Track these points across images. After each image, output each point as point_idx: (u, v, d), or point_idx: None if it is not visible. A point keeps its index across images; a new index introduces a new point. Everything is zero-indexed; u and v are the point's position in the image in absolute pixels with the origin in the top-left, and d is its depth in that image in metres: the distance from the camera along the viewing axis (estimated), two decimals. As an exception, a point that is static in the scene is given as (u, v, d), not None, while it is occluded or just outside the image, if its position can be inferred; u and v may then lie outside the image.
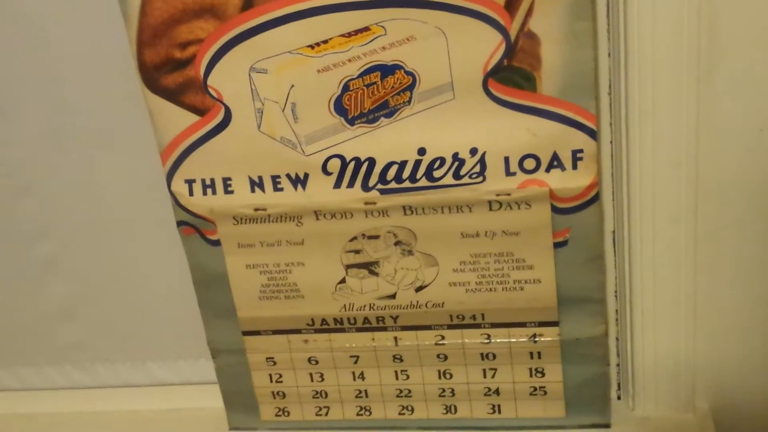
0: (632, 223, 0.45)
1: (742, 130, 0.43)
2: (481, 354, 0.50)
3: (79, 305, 0.57)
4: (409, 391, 0.52)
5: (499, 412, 0.51)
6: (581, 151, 0.43)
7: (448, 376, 0.51)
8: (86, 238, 0.54)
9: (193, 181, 0.47)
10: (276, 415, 0.54)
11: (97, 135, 0.50)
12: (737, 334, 0.48)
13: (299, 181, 0.46)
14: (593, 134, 0.43)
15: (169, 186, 0.47)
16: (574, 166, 0.43)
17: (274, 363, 0.52)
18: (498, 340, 0.49)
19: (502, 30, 0.41)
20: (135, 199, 0.52)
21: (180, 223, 0.49)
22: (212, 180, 0.47)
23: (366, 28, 0.42)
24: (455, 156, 0.44)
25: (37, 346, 0.59)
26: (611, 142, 0.44)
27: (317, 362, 0.52)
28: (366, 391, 0.52)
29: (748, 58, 0.41)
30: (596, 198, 0.44)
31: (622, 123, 0.43)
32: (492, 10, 0.40)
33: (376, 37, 0.42)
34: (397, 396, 0.52)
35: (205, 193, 0.47)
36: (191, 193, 0.47)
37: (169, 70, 0.44)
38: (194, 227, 0.49)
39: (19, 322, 0.58)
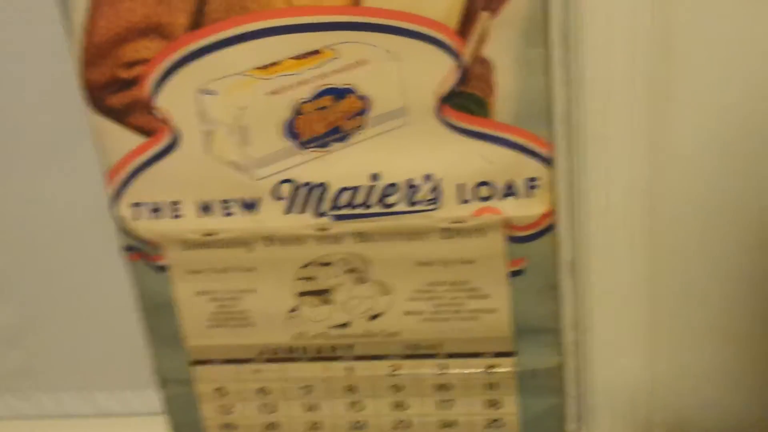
0: (588, 252, 0.44)
1: (698, 155, 0.43)
2: (437, 385, 0.48)
3: (22, 331, 0.55)
4: (364, 423, 0.50)
5: (455, 445, 0.50)
6: (536, 179, 0.42)
7: (403, 407, 0.49)
8: (29, 262, 0.52)
9: (140, 204, 0.46)
10: (227, 448, 0.52)
11: (40, 155, 0.49)
12: (695, 361, 0.48)
13: (250, 206, 0.45)
14: (548, 162, 0.42)
15: (112, 210, 0.46)
16: (529, 194, 0.43)
17: (224, 394, 0.50)
18: (454, 371, 0.48)
19: (455, 55, 0.40)
20: (80, 222, 0.50)
21: (126, 249, 0.47)
22: (160, 204, 0.45)
23: (317, 51, 0.41)
24: (409, 182, 0.43)
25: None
26: (566, 170, 0.44)
27: (269, 393, 0.50)
28: (319, 423, 0.51)
29: (704, 82, 0.41)
30: (552, 227, 0.43)
31: (576, 151, 0.42)
32: (444, 34, 0.40)
33: (329, 60, 0.41)
34: (352, 428, 0.51)
35: (152, 218, 0.46)
36: (138, 217, 0.46)
37: (114, 90, 0.43)
38: (140, 252, 0.47)
39: (-46, 350, 0.56)
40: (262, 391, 0.50)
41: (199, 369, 0.50)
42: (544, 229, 0.43)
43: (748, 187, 0.43)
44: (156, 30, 0.41)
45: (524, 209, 0.43)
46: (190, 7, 0.40)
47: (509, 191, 0.43)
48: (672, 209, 0.43)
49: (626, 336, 0.46)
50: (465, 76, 0.40)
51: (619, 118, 0.41)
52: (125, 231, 0.46)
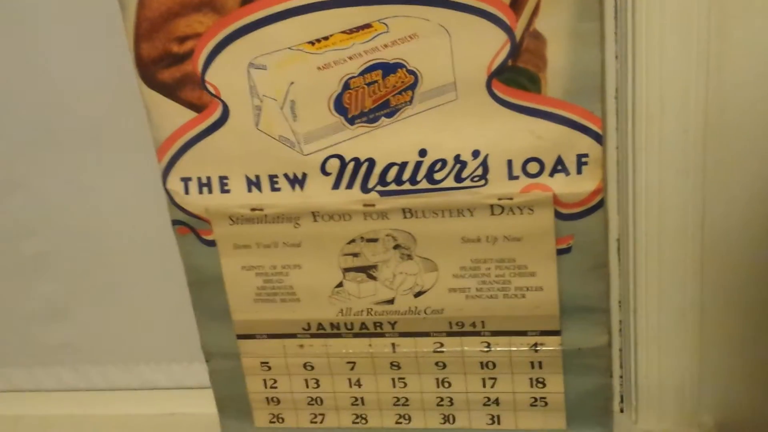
0: (638, 231, 0.44)
1: (752, 134, 0.42)
2: (481, 363, 0.48)
3: (70, 305, 0.56)
4: (407, 400, 0.50)
5: (499, 423, 0.50)
6: (586, 155, 0.42)
7: (446, 384, 0.49)
8: (77, 236, 0.53)
9: (189, 179, 0.46)
10: (270, 422, 0.53)
11: (91, 130, 0.49)
12: (744, 347, 0.47)
13: (297, 181, 0.45)
14: (599, 138, 0.41)
15: (164, 184, 0.46)
16: (579, 171, 0.42)
17: (269, 368, 0.51)
18: (498, 349, 0.48)
19: (507, 29, 0.40)
20: (129, 196, 0.51)
21: (175, 222, 0.48)
22: (208, 178, 0.46)
23: (368, 25, 0.41)
24: (457, 158, 0.43)
25: (26, 347, 0.58)
26: (617, 147, 0.43)
27: (313, 368, 0.50)
28: (362, 398, 0.51)
29: (758, 60, 0.40)
30: (601, 204, 0.43)
31: (628, 127, 0.42)
32: (497, 8, 0.39)
33: (378, 35, 0.41)
34: (395, 404, 0.51)
35: (201, 192, 0.46)
36: (187, 192, 0.46)
37: (166, 65, 0.43)
38: (189, 227, 0.47)
39: (7, 321, 0.57)
40: (306, 365, 0.50)
41: (245, 343, 0.50)
42: (594, 206, 0.43)
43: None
44: (209, 4, 0.41)
45: (573, 186, 0.42)
46: (242, -19, 0.41)
47: (559, 168, 0.42)
48: (726, 189, 0.43)
49: (674, 318, 0.46)
50: (517, 50, 0.40)
51: (673, 94, 0.41)
52: (175, 205, 0.47)
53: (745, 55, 0.40)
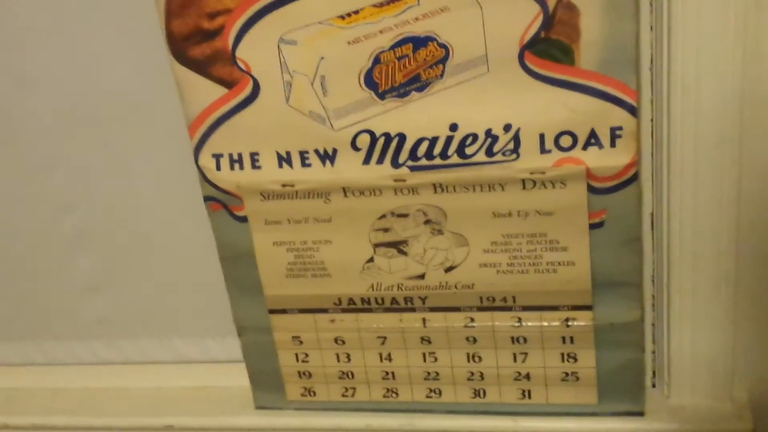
0: (672, 205, 0.43)
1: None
2: (512, 337, 0.48)
3: (106, 280, 0.57)
4: (437, 374, 0.51)
5: (530, 398, 0.50)
6: (620, 128, 0.41)
7: (477, 359, 0.50)
8: (113, 213, 0.54)
9: (221, 155, 0.46)
10: (302, 395, 0.53)
11: (125, 107, 0.50)
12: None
13: (327, 157, 0.45)
14: (633, 111, 0.41)
15: (196, 160, 0.47)
16: (613, 144, 0.42)
17: (301, 342, 0.51)
18: (529, 324, 0.48)
19: (540, 1, 0.39)
20: (162, 173, 0.52)
21: (207, 199, 0.48)
22: (240, 155, 0.46)
23: (398, -1, 0.40)
24: (488, 132, 0.43)
25: (63, 321, 0.59)
26: (652, 120, 0.43)
27: (344, 342, 0.51)
28: (393, 372, 0.51)
29: (799, 32, 0.39)
30: (635, 178, 0.42)
31: (663, 100, 0.41)
32: (530, -21, 0.39)
33: (409, 8, 0.40)
34: (425, 379, 0.51)
35: (232, 168, 0.46)
36: (218, 168, 0.47)
37: (197, 41, 0.43)
38: (221, 203, 0.48)
39: (45, 296, 0.58)
40: (338, 340, 0.51)
41: (276, 318, 0.51)
42: (627, 180, 0.42)
43: None
44: (239, -21, 0.41)
45: (607, 160, 0.42)
46: (271, -44, 0.40)
47: (592, 141, 0.42)
48: (760, 162, 0.42)
49: (708, 293, 0.45)
50: (549, 21, 0.39)
51: (708, 68, 0.40)
52: (207, 181, 0.47)
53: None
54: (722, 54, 0.40)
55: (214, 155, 0.46)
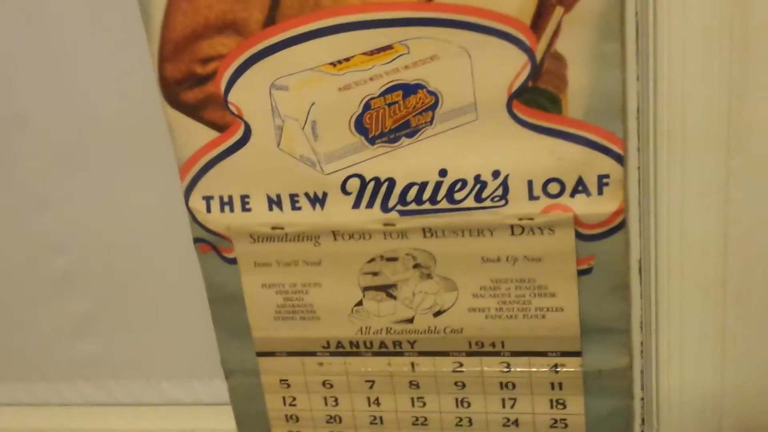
0: (659, 252, 0.44)
1: (776, 156, 0.41)
2: (501, 383, 0.48)
3: (95, 321, 0.57)
4: (426, 419, 0.50)
5: (518, 444, 0.50)
6: (607, 176, 0.42)
7: (465, 404, 0.49)
8: (103, 253, 0.54)
9: (211, 197, 0.47)
10: (289, 439, 0.53)
11: (117, 149, 0.50)
12: (767, 367, 0.46)
13: (318, 201, 0.45)
14: (620, 159, 0.41)
15: (187, 202, 0.47)
16: (600, 192, 0.42)
17: (288, 386, 0.51)
18: (518, 369, 0.47)
19: (528, 50, 0.40)
20: (153, 214, 0.52)
21: (197, 240, 0.48)
22: (230, 197, 0.46)
23: (389, 47, 0.41)
24: (477, 178, 0.43)
25: (51, 361, 0.58)
26: (639, 168, 0.43)
27: (332, 386, 0.51)
28: (381, 417, 0.51)
29: (782, 83, 0.40)
30: (622, 225, 0.43)
31: (650, 148, 0.42)
32: (517, 30, 0.39)
33: (399, 56, 0.41)
34: (413, 424, 0.51)
35: (222, 210, 0.47)
36: (209, 210, 0.47)
37: (189, 86, 0.44)
38: (211, 245, 0.48)
39: (33, 336, 0.58)
40: (326, 383, 0.51)
41: (264, 360, 0.51)
42: (615, 227, 0.43)
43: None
44: (232, 26, 0.42)
45: (594, 207, 0.42)
46: (265, 4, 0.41)
47: (579, 188, 0.42)
48: (749, 210, 0.42)
49: (696, 339, 0.45)
50: (537, 71, 0.40)
51: (695, 116, 0.40)
52: (197, 223, 0.47)
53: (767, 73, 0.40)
54: (708, 102, 0.40)
55: (204, 197, 0.47)
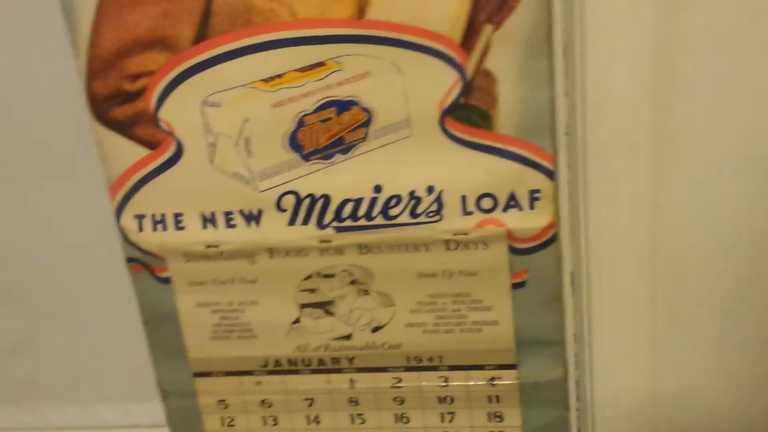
0: (590, 264, 0.44)
1: (701, 170, 0.43)
2: (439, 397, 0.48)
3: (27, 343, 0.55)
4: (366, 436, 0.50)
5: (458, 458, 0.50)
6: (538, 191, 0.42)
7: (405, 419, 0.49)
8: (34, 274, 0.52)
9: (143, 216, 0.46)
10: (228, 460, 0.52)
11: (44, 167, 0.49)
12: (699, 374, 0.47)
13: (253, 218, 0.45)
14: (551, 174, 0.42)
15: (118, 221, 0.46)
16: (532, 206, 0.43)
17: (226, 406, 0.50)
18: (456, 383, 0.48)
19: (459, 68, 0.40)
20: (84, 233, 0.50)
21: (129, 260, 0.47)
22: (163, 215, 0.46)
23: (321, 63, 0.41)
24: (412, 194, 0.43)
25: (-21, 386, 0.57)
26: (569, 182, 0.44)
27: (270, 405, 0.50)
28: (321, 435, 0.51)
29: (706, 97, 0.41)
30: (554, 239, 0.43)
31: (579, 163, 0.42)
32: (448, 47, 0.40)
33: (332, 73, 0.41)
34: (354, 440, 0.50)
35: (155, 229, 0.46)
36: (141, 229, 0.46)
37: (119, 102, 0.43)
38: (144, 264, 0.47)
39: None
40: (264, 403, 0.50)
41: (201, 381, 0.50)
42: (547, 241, 0.43)
43: (753, 195, 0.43)
44: (161, 42, 0.41)
45: (527, 221, 0.43)
46: (195, 20, 0.41)
47: (512, 203, 0.43)
48: (676, 221, 0.43)
49: (628, 348, 0.46)
50: (468, 88, 0.40)
51: (621, 131, 0.41)
52: (129, 242, 0.46)
53: (694, 89, 0.41)
54: (634, 117, 0.41)
55: (136, 216, 0.46)
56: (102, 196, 0.46)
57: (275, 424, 0.50)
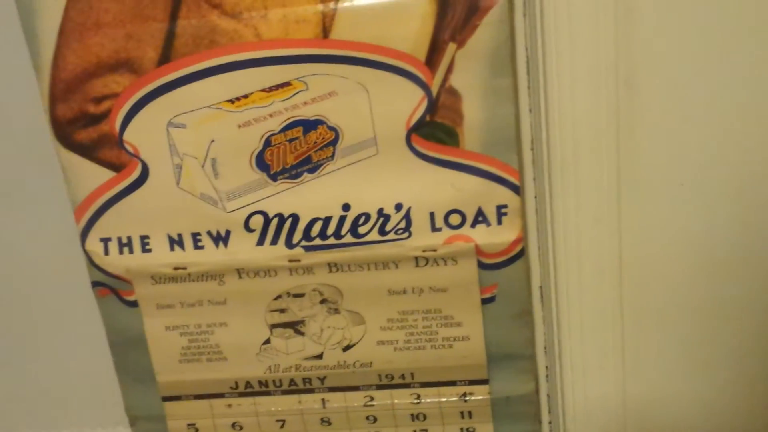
0: (558, 278, 0.45)
1: (663, 183, 0.43)
2: (411, 414, 0.48)
3: (-13, 371, 0.54)
4: (339, 455, 0.50)
5: (431, 475, 0.49)
6: (506, 206, 0.43)
7: (378, 438, 0.49)
8: (-5, 300, 0.51)
9: (109, 239, 0.45)
10: (199, 485, 0.51)
11: (6, 191, 0.48)
12: (667, 384, 0.48)
13: (221, 239, 0.45)
14: (517, 189, 0.43)
15: (83, 245, 0.45)
16: (499, 222, 0.43)
17: (196, 430, 0.50)
18: (428, 400, 0.48)
19: (424, 86, 0.40)
20: (48, 258, 0.50)
21: (95, 284, 0.46)
22: (129, 238, 0.45)
23: (287, 83, 0.41)
24: (380, 212, 0.43)
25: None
26: (535, 197, 0.44)
27: (241, 428, 0.49)
28: (294, 456, 0.50)
29: (666, 112, 0.42)
30: (522, 253, 0.44)
31: (545, 178, 0.43)
32: (413, 66, 0.40)
33: (298, 92, 0.41)
34: (327, 460, 0.50)
35: (121, 252, 0.45)
36: (107, 252, 0.45)
37: (83, 125, 0.43)
38: (110, 288, 0.46)
39: None
40: (235, 426, 0.49)
41: (171, 405, 0.49)
42: (515, 255, 0.44)
43: (716, 206, 0.43)
44: (125, 64, 0.41)
45: (495, 236, 0.43)
46: (158, 42, 0.41)
47: (479, 219, 0.43)
48: (640, 233, 0.44)
49: (597, 361, 0.47)
50: (434, 106, 0.41)
51: (585, 145, 0.42)
52: (94, 266, 0.46)
53: (654, 104, 0.42)
54: (597, 132, 0.42)
55: (102, 239, 0.45)
56: (66, 219, 0.45)
57: (247, 447, 0.50)
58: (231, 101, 0.41)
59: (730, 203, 0.43)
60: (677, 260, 0.45)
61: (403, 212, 0.43)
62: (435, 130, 0.41)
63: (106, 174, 0.43)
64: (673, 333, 0.46)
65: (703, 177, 0.43)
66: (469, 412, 0.47)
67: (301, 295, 0.46)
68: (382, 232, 0.44)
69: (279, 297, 0.46)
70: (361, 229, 0.44)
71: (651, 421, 0.49)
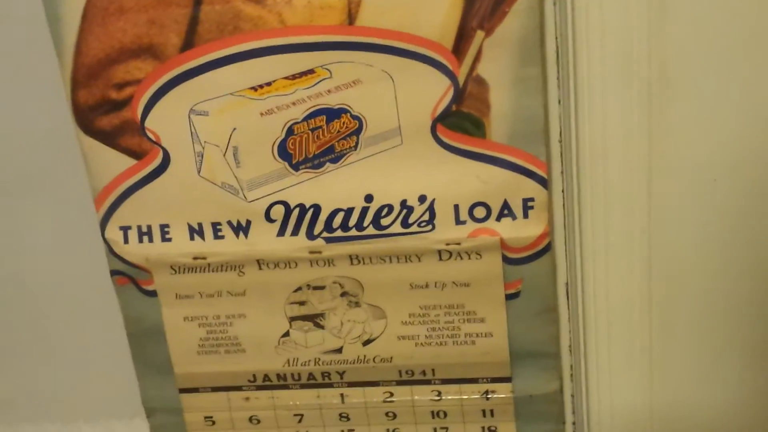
0: (585, 275, 0.44)
1: (695, 178, 0.42)
2: (432, 412, 0.47)
3: (6, 361, 0.53)
4: (357, 452, 0.49)
5: (451, 474, 0.49)
6: (532, 199, 0.42)
7: (397, 435, 0.48)
8: (13, 287, 0.51)
9: (129, 228, 0.45)
10: (215, 479, 0.51)
11: (26, 178, 0.48)
12: (693, 386, 0.47)
13: (241, 229, 0.44)
14: (544, 182, 0.42)
15: (102, 233, 0.45)
16: (525, 215, 0.42)
17: (213, 423, 0.49)
18: (449, 397, 0.47)
19: (450, 75, 0.40)
20: (66, 246, 0.49)
21: (114, 273, 0.46)
22: (149, 227, 0.45)
23: (311, 71, 0.40)
24: (403, 203, 0.42)
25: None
26: (563, 191, 0.43)
27: (259, 421, 0.49)
28: (311, 452, 0.49)
29: (699, 104, 0.41)
30: (548, 248, 0.43)
31: (573, 171, 0.42)
32: (440, 54, 0.39)
33: (322, 80, 0.40)
34: (344, 457, 0.49)
35: (141, 241, 0.45)
36: (126, 241, 0.45)
37: (104, 112, 0.42)
38: (129, 277, 0.46)
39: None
40: (252, 419, 0.49)
41: (188, 397, 0.49)
42: (541, 250, 0.43)
43: (749, 204, 0.42)
44: (148, 50, 0.40)
45: (520, 230, 0.42)
46: (182, 28, 0.40)
47: (505, 212, 0.42)
48: (671, 230, 0.43)
49: (624, 360, 0.45)
50: (460, 95, 0.40)
51: (615, 139, 0.41)
52: (114, 255, 0.45)
53: (686, 97, 0.41)
54: (628, 124, 0.41)
55: (121, 228, 0.45)
56: (85, 207, 0.45)
57: (264, 441, 0.49)
58: (254, 89, 0.41)
59: (765, 200, 0.42)
60: (709, 258, 0.44)
61: (426, 204, 0.42)
62: (461, 121, 0.41)
63: (127, 161, 0.43)
64: (704, 334, 0.45)
65: (737, 173, 0.42)
66: (491, 411, 0.47)
67: (322, 288, 0.45)
68: (405, 224, 0.43)
69: (299, 289, 0.45)
70: (384, 221, 0.43)
71: (678, 427, 0.48)
